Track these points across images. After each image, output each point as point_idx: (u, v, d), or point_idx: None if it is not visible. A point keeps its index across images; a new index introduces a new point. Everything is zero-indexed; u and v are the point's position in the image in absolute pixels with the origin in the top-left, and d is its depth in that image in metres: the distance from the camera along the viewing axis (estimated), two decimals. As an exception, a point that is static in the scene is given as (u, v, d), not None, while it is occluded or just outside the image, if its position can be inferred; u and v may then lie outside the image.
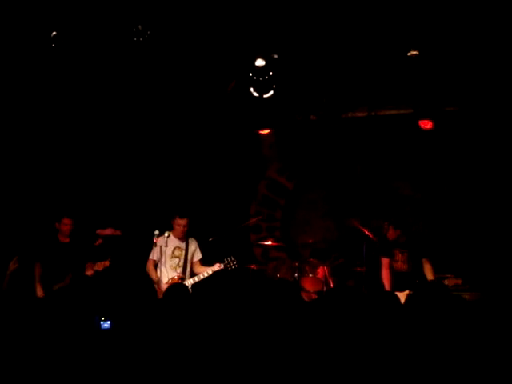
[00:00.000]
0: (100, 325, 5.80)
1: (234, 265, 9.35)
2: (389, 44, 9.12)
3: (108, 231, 10.81)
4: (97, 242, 10.45)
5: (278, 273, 11.73)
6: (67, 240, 9.48)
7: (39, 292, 8.98)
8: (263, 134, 12.30)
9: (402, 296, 8.57)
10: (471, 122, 10.89)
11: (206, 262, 9.72)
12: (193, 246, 9.56)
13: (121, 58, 9.46)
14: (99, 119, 11.24)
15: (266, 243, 11.72)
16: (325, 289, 10.66)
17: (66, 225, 9.38)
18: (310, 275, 10.88)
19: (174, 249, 9.43)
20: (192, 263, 9.56)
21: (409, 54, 9.14)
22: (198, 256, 9.66)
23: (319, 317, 4.33)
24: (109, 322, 5.42)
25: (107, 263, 9.31)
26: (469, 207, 11.06)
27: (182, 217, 9.35)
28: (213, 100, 11.08)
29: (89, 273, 9.13)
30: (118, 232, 10.93)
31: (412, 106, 10.79)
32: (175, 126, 11.71)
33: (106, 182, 11.67)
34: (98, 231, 10.68)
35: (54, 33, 8.54)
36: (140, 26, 8.53)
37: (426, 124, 10.60)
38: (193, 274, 9.49)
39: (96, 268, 9.17)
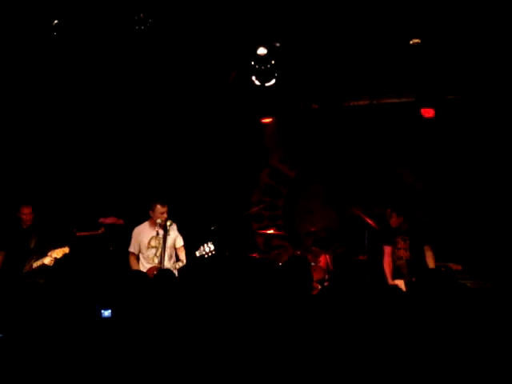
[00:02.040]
0: (101, 313, 5.81)
1: (210, 251, 8.94)
2: (391, 32, 9.11)
3: (110, 220, 10.83)
4: (99, 230, 10.47)
5: (280, 261, 11.73)
6: (30, 227, 9.02)
7: None
8: (265, 123, 12.31)
9: (402, 283, 8.66)
10: (473, 111, 10.88)
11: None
12: (172, 233, 8.93)
13: (122, 47, 9.46)
14: (101, 109, 11.25)
15: (268, 232, 11.75)
16: (327, 277, 10.69)
17: (24, 214, 8.95)
18: (312, 264, 10.90)
19: (150, 239, 8.93)
20: (175, 250, 9.05)
21: (411, 42, 9.13)
22: (180, 243, 9.06)
23: (322, 308, 4.34)
24: (109, 311, 5.43)
25: (67, 249, 8.80)
26: (470, 195, 11.07)
27: (163, 204, 8.81)
28: (215, 89, 11.07)
29: (47, 261, 8.68)
30: (121, 221, 10.96)
31: (414, 94, 10.77)
32: (177, 114, 11.70)
33: (109, 171, 11.68)
34: (101, 220, 10.71)
35: (56, 21, 8.54)
36: (141, 15, 8.52)
37: (428, 112, 10.59)
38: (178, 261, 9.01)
39: (55, 255, 8.70)
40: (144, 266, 8.88)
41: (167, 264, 8.75)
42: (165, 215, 8.78)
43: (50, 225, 9.43)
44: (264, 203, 12.52)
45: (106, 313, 6.64)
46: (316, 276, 10.70)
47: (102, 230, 10.46)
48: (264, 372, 3.86)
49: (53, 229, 9.42)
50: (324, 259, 10.99)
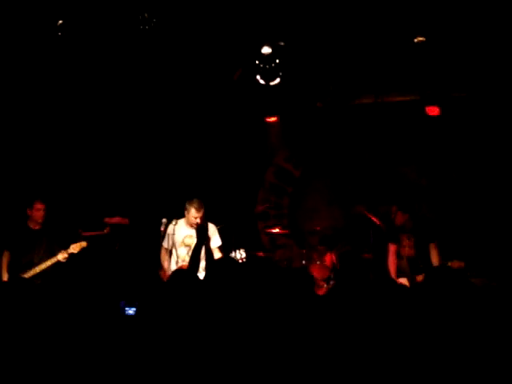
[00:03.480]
0: (125, 311, 5.79)
1: (241, 258, 8.88)
2: (395, 30, 9.11)
3: (116, 219, 10.84)
4: (105, 230, 10.48)
5: (285, 260, 11.74)
6: (38, 227, 9.00)
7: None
8: (270, 122, 12.31)
9: (406, 281, 8.66)
10: (478, 108, 10.88)
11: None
12: (208, 232, 8.64)
13: (127, 46, 9.48)
14: (106, 109, 11.27)
15: (273, 231, 11.75)
16: (332, 275, 10.69)
17: (38, 210, 8.89)
18: (318, 262, 10.91)
19: (185, 237, 8.81)
20: (209, 250, 8.66)
21: (415, 40, 9.13)
22: (216, 243, 8.85)
23: (328, 308, 4.34)
24: (134, 309, 5.41)
25: (84, 244, 8.88)
26: (475, 193, 11.06)
27: (199, 209, 8.56)
28: (220, 88, 11.08)
29: (61, 257, 8.70)
30: (126, 220, 10.96)
31: (419, 92, 10.77)
32: (183, 114, 11.71)
33: (115, 171, 11.69)
34: (106, 219, 10.71)
35: (61, 21, 8.56)
36: (146, 14, 8.53)
37: (433, 110, 10.59)
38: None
39: (71, 250, 8.76)
40: (175, 262, 8.80)
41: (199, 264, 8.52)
42: (198, 220, 8.51)
43: (58, 225, 9.44)
44: (269, 202, 12.54)
45: (131, 311, 6.62)
46: (322, 274, 10.72)
47: (108, 229, 10.45)
48: (273, 372, 3.87)
49: (60, 229, 9.43)
50: (329, 257, 11.00)
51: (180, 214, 8.94)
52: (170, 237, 8.71)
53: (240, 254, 8.85)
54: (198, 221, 8.50)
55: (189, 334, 4.18)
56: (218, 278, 4.89)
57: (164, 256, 8.91)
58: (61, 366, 4.00)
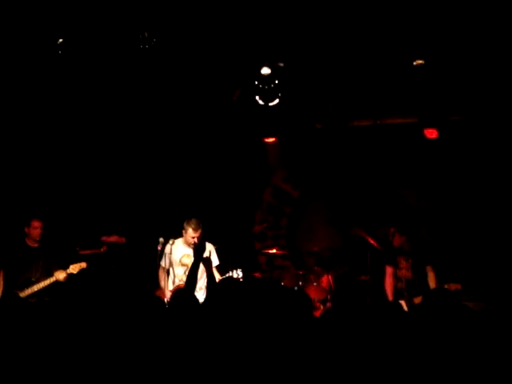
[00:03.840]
0: None
1: (239, 278, 8.81)
2: (394, 53, 9.14)
3: (113, 238, 10.82)
4: (102, 248, 10.45)
5: (282, 281, 11.69)
6: (36, 245, 8.98)
7: None
8: (269, 142, 12.34)
9: (404, 304, 8.64)
10: (476, 132, 10.90)
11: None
12: (205, 253, 8.38)
13: (126, 65, 9.50)
14: (108, 127, 11.28)
15: (270, 251, 11.71)
16: (329, 297, 10.66)
17: (35, 228, 8.87)
18: (315, 284, 10.88)
19: (182, 256, 8.84)
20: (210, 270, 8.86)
21: (414, 63, 9.16)
22: (213, 262, 8.61)
23: (324, 330, 4.33)
24: None
25: (84, 265, 8.89)
26: (473, 216, 11.06)
27: (196, 229, 8.59)
28: (219, 108, 11.10)
29: (61, 277, 8.71)
30: (123, 239, 10.95)
31: (417, 115, 10.80)
32: (181, 133, 11.72)
33: (112, 189, 11.69)
34: (103, 238, 10.70)
35: (61, 40, 8.58)
36: (146, 34, 8.56)
37: (432, 133, 10.62)
38: None
39: (71, 271, 8.76)
40: (172, 282, 8.77)
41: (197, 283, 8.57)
42: (195, 240, 8.50)
43: (55, 243, 9.42)
44: (267, 222, 12.52)
45: None
46: (318, 296, 10.68)
47: (105, 248, 10.43)
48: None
49: (58, 247, 9.41)
50: (326, 279, 10.97)
51: (177, 234, 8.93)
52: (168, 256, 8.70)
53: (237, 274, 8.82)
54: (196, 240, 8.49)
55: (189, 353, 4.17)
56: (219, 299, 4.88)
57: (161, 275, 8.88)
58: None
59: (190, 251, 8.60)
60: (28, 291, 8.62)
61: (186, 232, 8.66)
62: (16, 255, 8.89)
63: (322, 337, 4.21)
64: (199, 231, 8.61)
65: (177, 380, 3.96)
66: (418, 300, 8.54)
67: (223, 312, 4.70)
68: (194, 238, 8.56)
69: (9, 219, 10.12)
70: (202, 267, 8.56)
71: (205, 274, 8.68)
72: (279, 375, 3.90)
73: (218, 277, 8.61)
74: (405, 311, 4.69)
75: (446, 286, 8.52)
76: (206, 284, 8.45)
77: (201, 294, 8.34)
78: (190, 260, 8.63)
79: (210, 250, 8.75)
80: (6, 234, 9.68)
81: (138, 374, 3.99)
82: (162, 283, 8.84)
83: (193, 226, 8.56)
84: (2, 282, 8.79)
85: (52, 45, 8.73)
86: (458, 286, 8.55)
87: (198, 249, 7.65)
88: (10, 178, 10.63)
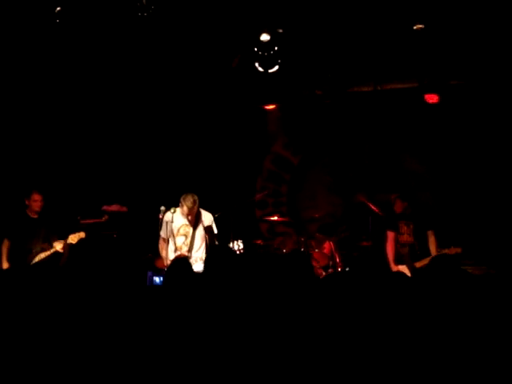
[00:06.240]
0: (152, 280, 5.71)
1: (239, 250, 8.85)
2: (394, 18, 9.08)
3: (114, 207, 10.84)
4: (103, 218, 10.47)
5: (284, 248, 11.72)
6: (36, 216, 8.94)
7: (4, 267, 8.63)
8: (269, 109, 12.30)
9: (405, 269, 8.66)
10: (477, 96, 10.87)
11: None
12: (204, 222, 8.78)
13: (125, 34, 9.45)
14: (103, 98, 11.24)
15: (272, 218, 11.72)
16: (331, 263, 10.69)
17: (35, 201, 8.86)
18: (317, 250, 10.90)
19: (181, 226, 8.74)
20: (206, 240, 8.82)
21: (414, 27, 9.10)
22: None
23: (327, 295, 4.33)
24: (161, 278, 5.38)
25: (82, 234, 8.80)
26: (474, 180, 11.07)
27: (190, 208, 8.48)
28: (218, 75, 11.05)
29: (59, 247, 8.70)
30: (124, 208, 10.96)
31: (418, 79, 10.76)
32: (180, 102, 11.69)
33: (113, 158, 11.67)
34: (104, 207, 10.71)
35: (59, 8, 8.53)
36: (144, 1, 8.48)
37: (432, 98, 10.58)
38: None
39: (70, 241, 8.72)
40: (173, 252, 8.72)
41: (195, 254, 8.63)
42: (190, 217, 8.54)
43: (56, 214, 9.43)
44: (268, 189, 12.52)
45: (158, 279, 6.53)
46: (320, 262, 10.71)
47: (106, 217, 10.44)
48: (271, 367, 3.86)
49: (58, 218, 9.42)
50: (328, 246, 10.99)
51: (178, 203, 8.94)
52: (169, 225, 8.69)
53: (238, 246, 8.84)
54: (190, 218, 8.53)
55: (190, 323, 4.18)
56: (217, 269, 4.89)
57: (162, 245, 8.89)
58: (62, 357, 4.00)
59: (189, 221, 8.66)
60: (29, 262, 8.67)
61: (181, 207, 8.57)
62: (17, 226, 8.88)
63: (324, 302, 4.22)
64: (195, 209, 8.54)
65: (172, 353, 3.97)
66: (419, 264, 8.57)
67: (221, 281, 4.71)
68: (188, 215, 8.54)
69: (10, 190, 10.12)
70: (199, 237, 8.70)
71: (203, 245, 8.81)
72: (278, 343, 3.92)
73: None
74: (407, 276, 4.68)
75: (446, 250, 8.55)
76: (203, 255, 8.57)
77: (198, 265, 8.35)
78: (189, 230, 8.68)
79: (209, 219, 8.81)
80: (7, 205, 9.69)
81: (136, 346, 4.00)
82: (163, 253, 8.84)
83: (188, 203, 8.50)
84: (6, 253, 8.83)
85: (49, 20, 8.68)
86: (458, 250, 8.56)
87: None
88: (12, 149, 10.63)
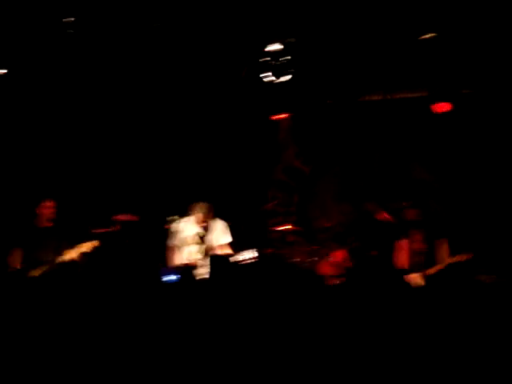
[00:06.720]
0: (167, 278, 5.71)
1: (251, 258, 8.88)
2: (404, 27, 9.11)
3: (125, 216, 10.86)
4: (114, 227, 10.49)
5: (294, 257, 11.70)
6: (48, 225, 8.95)
7: None
8: (279, 119, 12.31)
9: (418, 277, 8.65)
10: (487, 105, 10.87)
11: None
12: (215, 231, 8.96)
13: (133, 44, 9.51)
14: (118, 105, 11.29)
15: (282, 228, 11.71)
16: (343, 272, 10.67)
17: (47, 208, 8.87)
18: (328, 259, 10.89)
19: (194, 234, 8.87)
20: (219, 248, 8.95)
21: (427, 36, 9.13)
22: (226, 239, 9.02)
23: (339, 301, 4.38)
24: (176, 276, 5.38)
25: (96, 243, 8.86)
26: (485, 189, 11.06)
27: (201, 218, 8.80)
28: (228, 85, 11.09)
29: (74, 256, 8.70)
30: (135, 217, 10.98)
31: (428, 88, 10.77)
32: (192, 111, 11.73)
33: (125, 168, 11.71)
34: (115, 217, 10.74)
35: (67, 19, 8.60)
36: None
37: (443, 107, 10.59)
38: None
39: (84, 249, 8.77)
40: (185, 260, 8.80)
41: (205, 262, 8.67)
42: (204, 224, 8.75)
43: (68, 223, 9.45)
44: (278, 199, 12.52)
45: (174, 277, 6.52)
46: (332, 271, 10.70)
47: (118, 226, 10.47)
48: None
49: (70, 227, 9.44)
50: (340, 254, 10.98)
51: (188, 212, 8.99)
52: (180, 234, 8.75)
53: (252, 254, 8.87)
54: (204, 225, 8.74)
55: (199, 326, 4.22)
56: (222, 277, 4.94)
57: (169, 255, 8.93)
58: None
59: (201, 230, 8.77)
60: (39, 271, 8.68)
61: (194, 215, 8.76)
62: (28, 236, 8.90)
63: (336, 310, 4.25)
64: (208, 215, 8.75)
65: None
66: (431, 271, 8.56)
67: (227, 290, 4.75)
68: (204, 222, 8.57)
69: (21, 199, 10.17)
70: (213, 245, 8.73)
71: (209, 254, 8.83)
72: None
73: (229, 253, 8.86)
74: (421, 284, 4.70)
75: (458, 258, 8.55)
76: (207, 262, 8.61)
77: (202, 271, 8.41)
78: (203, 237, 8.71)
79: (222, 227, 8.86)
80: (19, 214, 9.73)
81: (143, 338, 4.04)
82: (172, 262, 8.89)
83: (198, 214, 8.63)
84: (19, 260, 8.82)
85: (55, 28, 8.74)
86: (469, 256, 8.56)
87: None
88: (22, 158, 10.68)
